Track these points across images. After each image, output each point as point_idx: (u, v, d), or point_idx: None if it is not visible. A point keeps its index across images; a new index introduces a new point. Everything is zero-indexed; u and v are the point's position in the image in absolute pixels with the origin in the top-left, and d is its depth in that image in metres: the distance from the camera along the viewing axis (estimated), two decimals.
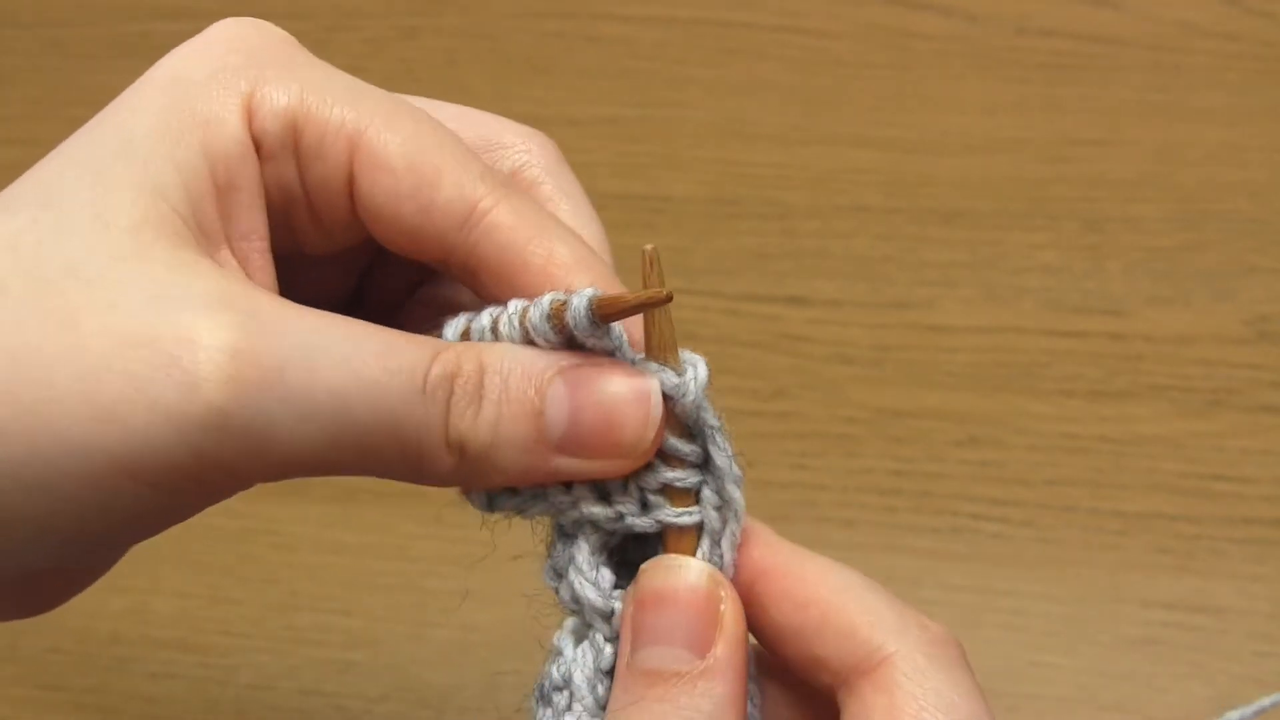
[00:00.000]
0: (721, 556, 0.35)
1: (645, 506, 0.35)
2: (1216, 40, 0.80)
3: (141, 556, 0.70)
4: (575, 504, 0.35)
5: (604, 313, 0.34)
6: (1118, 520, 0.68)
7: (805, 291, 0.75)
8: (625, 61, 0.84)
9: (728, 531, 0.35)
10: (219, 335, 0.31)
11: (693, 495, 0.35)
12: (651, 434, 0.34)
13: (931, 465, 0.70)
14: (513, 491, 0.36)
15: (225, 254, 0.35)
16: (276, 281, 0.36)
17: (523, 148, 0.40)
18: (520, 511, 0.36)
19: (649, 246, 0.35)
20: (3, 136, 0.86)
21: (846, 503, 0.69)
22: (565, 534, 0.36)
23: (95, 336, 0.31)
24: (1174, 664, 0.63)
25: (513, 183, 0.37)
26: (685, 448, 0.35)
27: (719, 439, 0.35)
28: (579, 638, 0.36)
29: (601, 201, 0.79)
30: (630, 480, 0.35)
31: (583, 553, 0.36)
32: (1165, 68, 0.80)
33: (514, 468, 0.34)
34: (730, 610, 0.34)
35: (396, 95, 0.38)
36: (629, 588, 0.35)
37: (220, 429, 0.31)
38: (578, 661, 0.35)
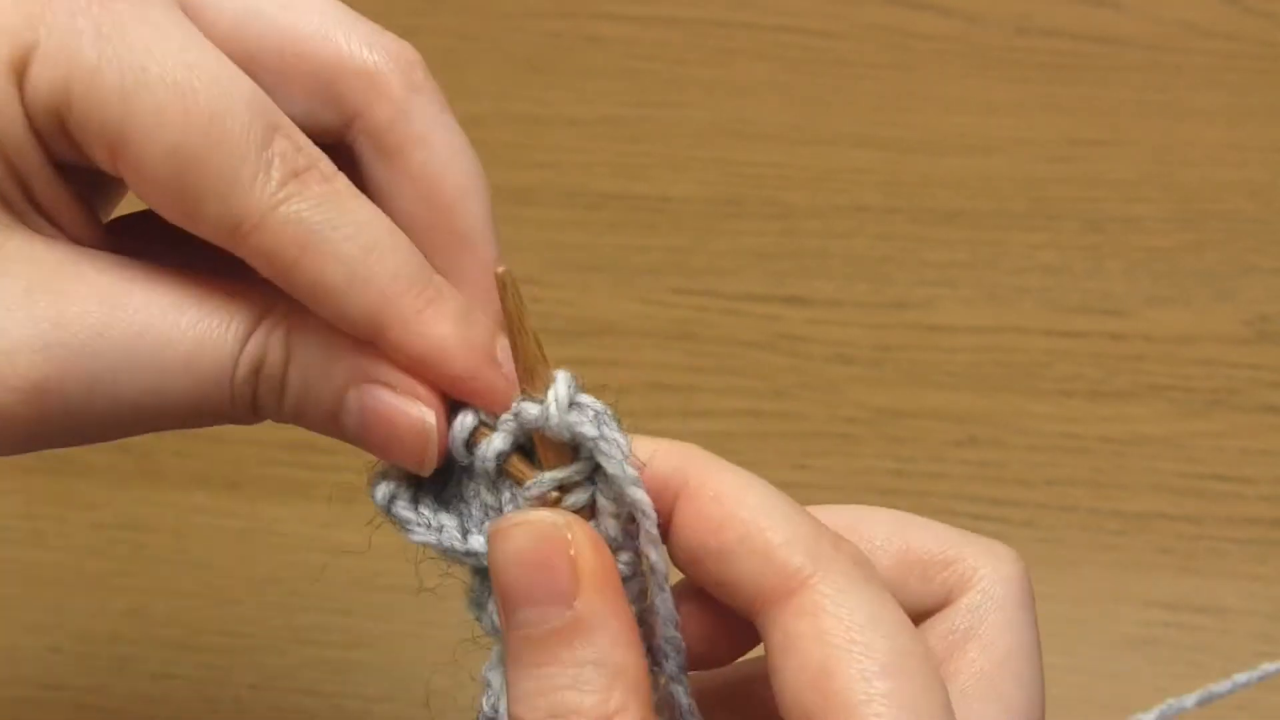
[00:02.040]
0: (647, 558, 0.34)
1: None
2: (1216, 40, 0.80)
3: (142, 556, 0.70)
4: (464, 538, 0.36)
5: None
6: (1118, 520, 0.68)
7: (805, 291, 0.75)
8: (625, 61, 0.84)
9: (643, 531, 0.34)
10: (23, 374, 0.33)
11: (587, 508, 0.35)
12: (427, 463, 0.35)
13: (931, 465, 0.70)
14: (410, 501, 0.36)
15: (34, 217, 0.35)
16: (92, 219, 0.36)
17: (378, 83, 0.37)
18: (406, 526, 0.37)
19: (500, 269, 0.34)
20: None
21: (846, 503, 0.69)
22: (483, 566, 0.36)
23: None
24: (1174, 664, 0.63)
25: (290, 186, 0.33)
26: (563, 473, 0.34)
27: (604, 446, 0.33)
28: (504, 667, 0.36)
29: (601, 201, 0.79)
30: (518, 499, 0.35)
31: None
32: (1165, 68, 0.80)
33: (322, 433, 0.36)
34: (585, 553, 0.32)
35: (186, 67, 0.33)
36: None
37: (37, 437, 0.34)
38: (504, 692, 0.35)
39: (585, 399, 0.34)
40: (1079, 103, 0.79)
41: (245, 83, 0.34)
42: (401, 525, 0.36)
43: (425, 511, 0.36)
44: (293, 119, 0.34)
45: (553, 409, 0.33)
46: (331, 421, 0.35)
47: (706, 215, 0.78)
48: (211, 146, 0.33)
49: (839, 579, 0.33)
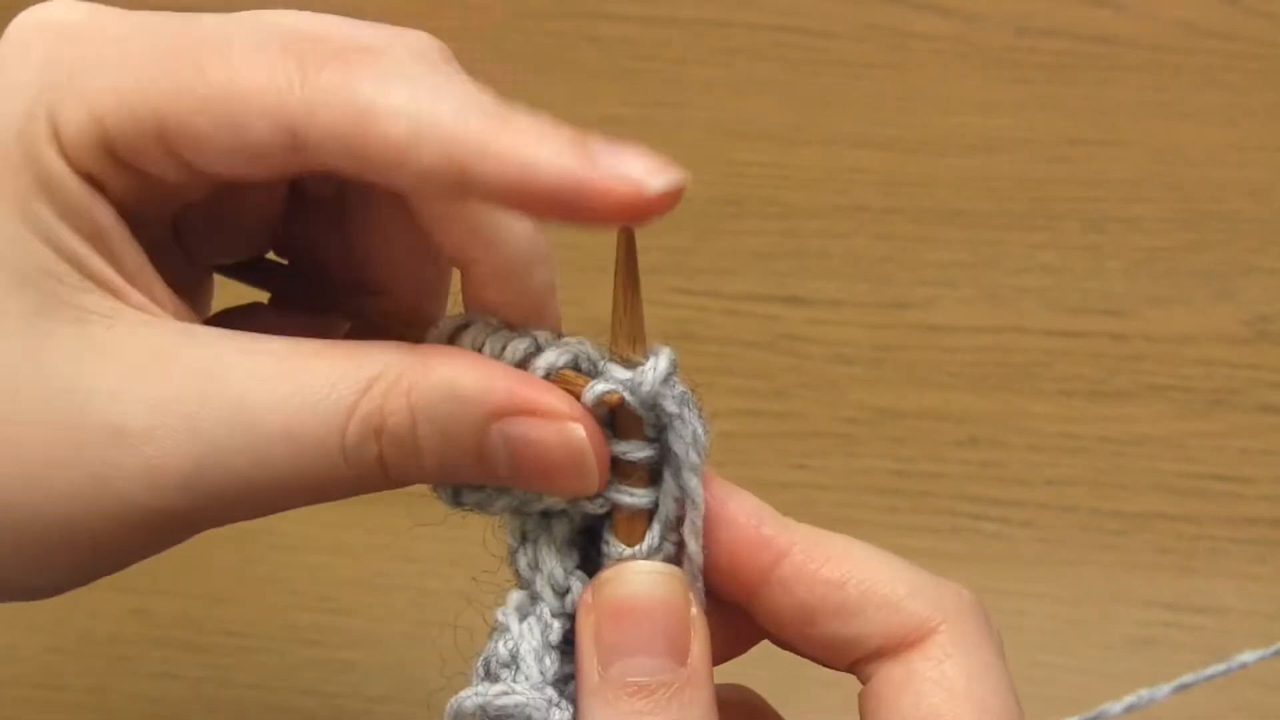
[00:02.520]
0: (678, 544, 0.35)
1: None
2: (1216, 40, 0.80)
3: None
4: (539, 497, 0.35)
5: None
6: (1118, 520, 0.68)
7: (805, 291, 0.75)
8: (625, 61, 0.84)
9: (689, 521, 0.34)
10: (137, 449, 0.32)
11: (646, 475, 0.35)
12: (589, 481, 0.33)
13: (931, 465, 0.70)
14: (477, 487, 0.35)
15: (129, 292, 0.34)
16: (184, 303, 0.36)
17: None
18: (483, 507, 0.35)
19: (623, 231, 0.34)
20: None
21: (846, 503, 0.69)
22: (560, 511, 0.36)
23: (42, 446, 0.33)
24: (1174, 664, 0.63)
25: (333, 62, 0.32)
26: (636, 448, 0.34)
27: (679, 426, 0.34)
28: (523, 613, 0.35)
29: None
30: None
31: (556, 528, 0.36)
32: (1165, 68, 0.80)
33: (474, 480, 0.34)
34: (699, 612, 0.34)
35: (197, 31, 0.34)
36: (584, 593, 0.35)
37: (146, 518, 0.34)
38: (524, 636, 0.35)
39: (677, 379, 0.35)
40: (1079, 103, 0.79)
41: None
42: (477, 506, 0.35)
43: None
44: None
45: (649, 377, 0.34)
46: (480, 466, 0.33)
47: (706, 215, 0.78)
48: (240, 83, 0.32)
49: (963, 629, 0.34)
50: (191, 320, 0.35)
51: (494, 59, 0.85)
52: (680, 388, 0.35)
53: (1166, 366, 0.71)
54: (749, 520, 0.35)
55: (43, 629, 0.67)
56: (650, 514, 0.35)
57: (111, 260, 0.34)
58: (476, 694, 0.34)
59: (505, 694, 0.34)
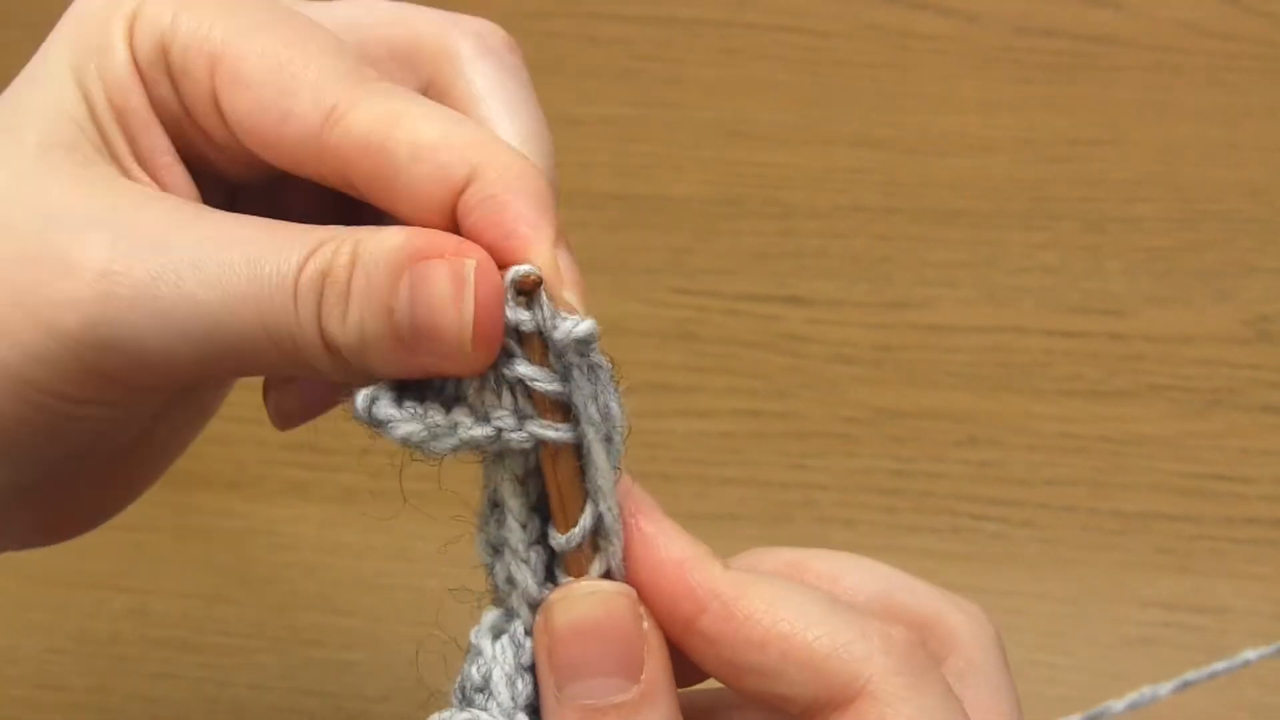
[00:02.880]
0: (610, 510, 0.34)
1: (520, 419, 0.34)
2: (1216, 40, 0.80)
3: (141, 556, 0.70)
4: (454, 428, 0.34)
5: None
6: (1118, 520, 0.68)
7: (805, 291, 0.75)
8: (625, 61, 0.84)
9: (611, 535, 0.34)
10: (91, 255, 0.33)
11: (561, 412, 0.34)
12: (467, 331, 0.32)
13: (931, 465, 0.70)
14: (394, 407, 0.33)
15: (138, 172, 0.36)
16: (196, 191, 0.37)
17: (448, 46, 0.38)
18: (404, 440, 0.34)
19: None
20: None
21: (846, 503, 0.69)
22: (494, 503, 0.35)
23: None
24: (1174, 664, 0.63)
25: (386, 83, 0.35)
26: (545, 377, 0.33)
27: (580, 380, 0.33)
28: (497, 633, 0.35)
29: (601, 201, 0.79)
30: (496, 387, 0.34)
31: (514, 533, 0.35)
32: (1165, 68, 0.80)
33: (385, 367, 0.33)
34: (652, 629, 0.33)
35: (286, 4, 0.37)
36: (537, 617, 0.34)
37: (96, 344, 0.33)
38: (496, 659, 0.34)
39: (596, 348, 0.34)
40: (1079, 103, 0.79)
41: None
42: (383, 424, 0.33)
43: (411, 405, 0.34)
44: None
45: (571, 324, 0.33)
46: (388, 321, 0.32)
47: (706, 215, 0.78)
48: (306, 46, 0.35)
49: (896, 683, 0.32)
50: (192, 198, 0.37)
51: None
52: (596, 355, 0.34)
53: (1166, 366, 0.71)
54: (674, 566, 0.34)
55: (42, 629, 0.67)
56: (594, 540, 0.34)
57: (129, 136, 0.36)
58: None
59: None
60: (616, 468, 0.34)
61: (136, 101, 0.36)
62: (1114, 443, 0.69)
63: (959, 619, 0.37)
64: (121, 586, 0.68)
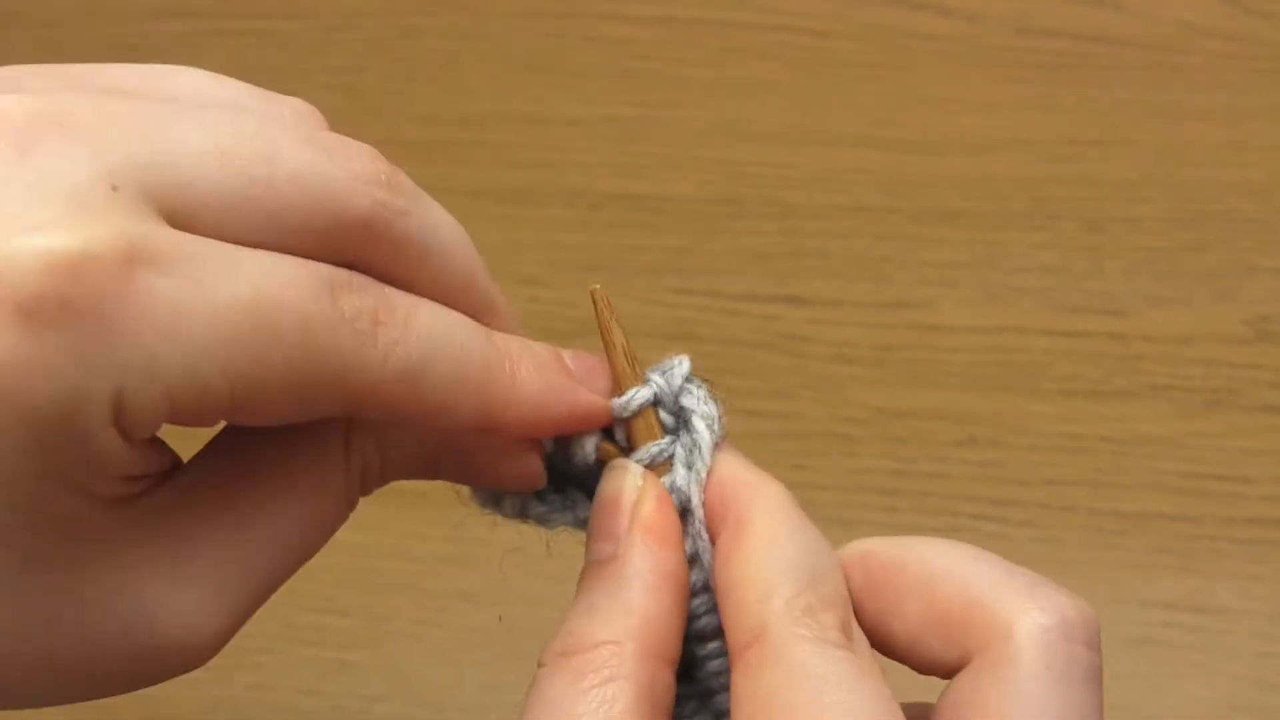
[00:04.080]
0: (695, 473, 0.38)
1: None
2: (1216, 40, 0.80)
3: None
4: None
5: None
6: (1118, 520, 0.68)
7: (805, 291, 0.75)
8: (625, 61, 0.84)
9: (692, 445, 0.38)
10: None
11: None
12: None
13: (931, 465, 0.70)
14: (540, 499, 0.38)
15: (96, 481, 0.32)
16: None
17: (359, 238, 0.34)
18: (546, 520, 0.38)
19: (596, 287, 0.38)
20: None
21: (846, 503, 0.69)
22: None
23: None
24: (1174, 664, 0.63)
25: (380, 321, 0.33)
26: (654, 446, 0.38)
27: (699, 413, 0.39)
28: None
29: (601, 201, 0.79)
30: None
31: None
32: (1165, 68, 0.80)
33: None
34: (648, 502, 0.36)
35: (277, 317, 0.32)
36: None
37: None
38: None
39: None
40: (1079, 103, 0.79)
41: (283, 265, 0.31)
42: (541, 519, 0.38)
43: (552, 497, 0.38)
44: None
45: (674, 380, 0.39)
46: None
47: (706, 215, 0.78)
48: (304, 350, 0.30)
49: (787, 637, 0.33)
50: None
51: (494, 59, 0.85)
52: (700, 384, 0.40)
53: (1166, 366, 0.71)
54: (717, 483, 0.40)
55: None
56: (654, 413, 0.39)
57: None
58: None
59: None
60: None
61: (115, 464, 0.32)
62: (1114, 443, 0.69)
63: (1006, 608, 0.33)
64: None
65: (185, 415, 0.30)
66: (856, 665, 0.33)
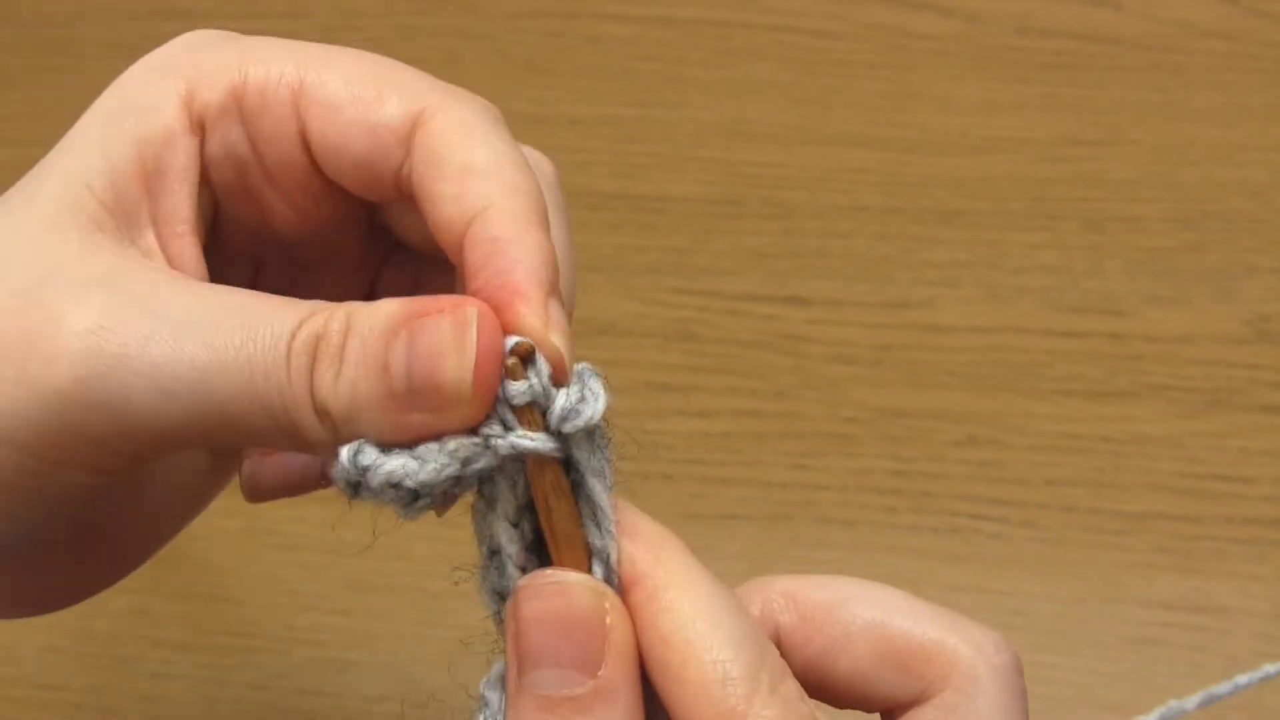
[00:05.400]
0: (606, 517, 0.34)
1: (505, 428, 0.34)
2: (1216, 40, 0.80)
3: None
4: (441, 447, 0.33)
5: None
6: (1118, 520, 0.68)
7: (805, 291, 0.75)
8: (625, 61, 0.84)
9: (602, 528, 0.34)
10: (83, 312, 0.33)
11: (542, 420, 0.34)
12: (468, 375, 0.32)
13: (931, 465, 0.70)
14: (380, 454, 0.33)
15: (149, 238, 0.36)
16: (204, 266, 0.37)
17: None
18: (389, 478, 0.33)
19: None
20: (3, 137, 0.86)
21: (846, 503, 0.69)
22: (491, 551, 0.35)
23: None
24: (1174, 664, 0.63)
25: (479, 100, 0.37)
26: (526, 392, 0.33)
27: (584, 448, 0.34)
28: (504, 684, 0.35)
29: (601, 201, 0.79)
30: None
31: (514, 579, 0.34)
32: (1165, 68, 0.80)
33: (378, 431, 0.33)
34: (617, 625, 0.32)
35: (336, 47, 0.38)
36: (508, 604, 0.34)
37: (80, 402, 0.33)
38: (503, 712, 0.34)
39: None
40: (1079, 103, 0.79)
41: None
42: (367, 469, 0.33)
43: (397, 451, 0.33)
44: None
45: (595, 403, 0.34)
46: (382, 379, 0.32)
47: (706, 215, 0.78)
48: (388, 64, 0.36)
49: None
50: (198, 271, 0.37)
51: (494, 59, 0.85)
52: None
53: (1166, 366, 0.71)
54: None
55: (42, 629, 0.67)
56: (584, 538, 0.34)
57: (151, 197, 0.36)
58: None
59: None
60: (609, 489, 0.34)
61: (173, 164, 0.36)
62: (1114, 443, 0.69)
63: (961, 649, 0.36)
64: (121, 586, 0.68)
65: (250, 92, 0.37)
66: None
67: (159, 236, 0.36)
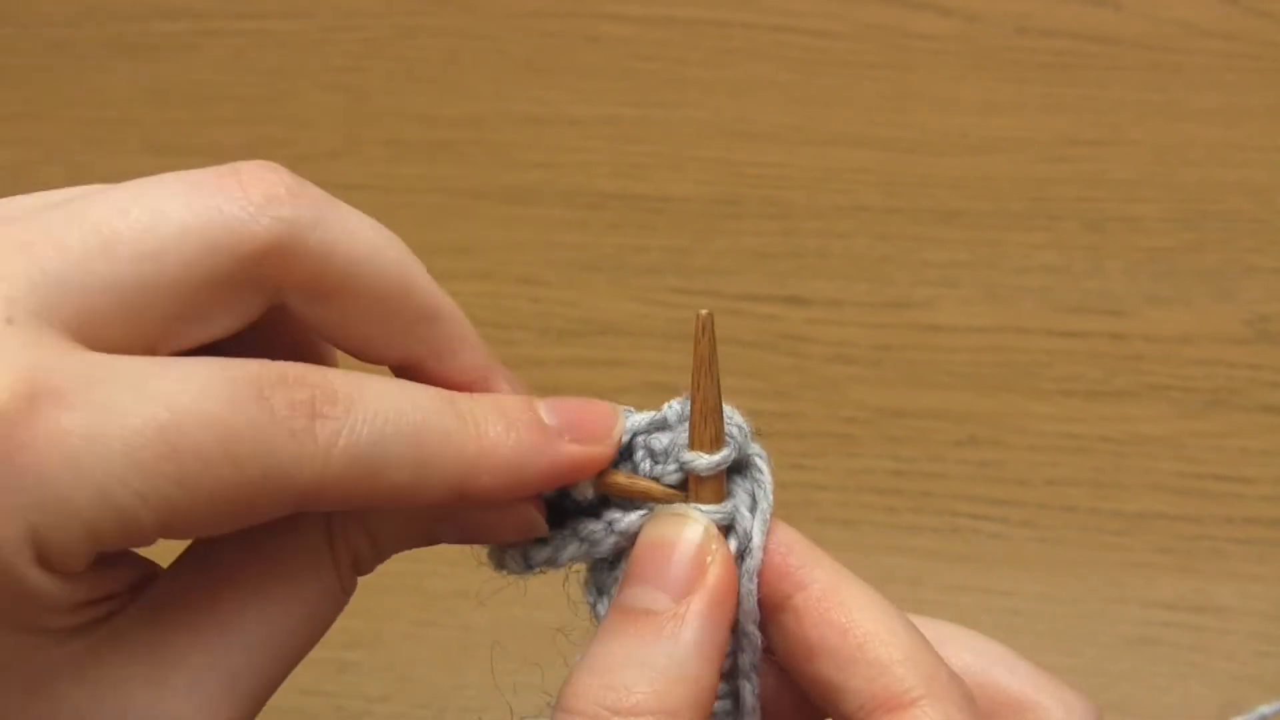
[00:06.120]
0: (750, 535, 0.36)
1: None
2: (1216, 40, 0.80)
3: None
4: (610, 527, 0.36)
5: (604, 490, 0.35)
6: (1118, 520, 0.68)
7: (805, 291, 0.75)
8: (625, 61, 0.84)
9: (759, 511, 0.36)
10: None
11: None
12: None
13: (931, 465, 0.70)
14: (543, 541, 0.36)
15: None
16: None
17: (275, 257, 0.32)
18: (554, 560, 0.36)
19: (704, 312, 0.34)
20: (3, 137, 0.86)
21: (846, 503, 0.69)
22: (610, 562, 0.37)
23: None
24: (1174, 664, 0.63)
25: (316, 413, 0.31)
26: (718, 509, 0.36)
27: (765, 482, 0.36)
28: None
29: (601, 201, 0.79)
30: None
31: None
32: (1165, 68, 0.80)
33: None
34: (718, 568, 0.34)
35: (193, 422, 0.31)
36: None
37: None
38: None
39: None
40: (1079, 103, 0.79)
41: (197, 376, 0.30)
42: (548, 562, 0.36)
43: (553, 535, 0.36)
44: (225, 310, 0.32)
45: (747, 442, 0.36)
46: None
47: (706, 215, 0.78)
48: (231, 461, 0.30)
49: (946, 708, 0.33)
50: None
51: (494, 59, 0.85)
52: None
53: (1166, 366, 0.71)
54: (776, 548, 0.36)
55: None
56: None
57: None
58: None
59: None
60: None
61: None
62: (1114, 443, 0.69)
63: (1054, 711, 0.37)
64: None
65: (115, 542, 0.29)
66: None
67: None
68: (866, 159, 0.79)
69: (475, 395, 0.34)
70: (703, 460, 0.35)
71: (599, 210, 0.79)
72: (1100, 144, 0.78)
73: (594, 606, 0.36)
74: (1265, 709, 0.53)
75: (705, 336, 0.34)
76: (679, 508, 0.35)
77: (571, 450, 0.34)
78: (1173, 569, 0.66)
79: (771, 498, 0.36)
